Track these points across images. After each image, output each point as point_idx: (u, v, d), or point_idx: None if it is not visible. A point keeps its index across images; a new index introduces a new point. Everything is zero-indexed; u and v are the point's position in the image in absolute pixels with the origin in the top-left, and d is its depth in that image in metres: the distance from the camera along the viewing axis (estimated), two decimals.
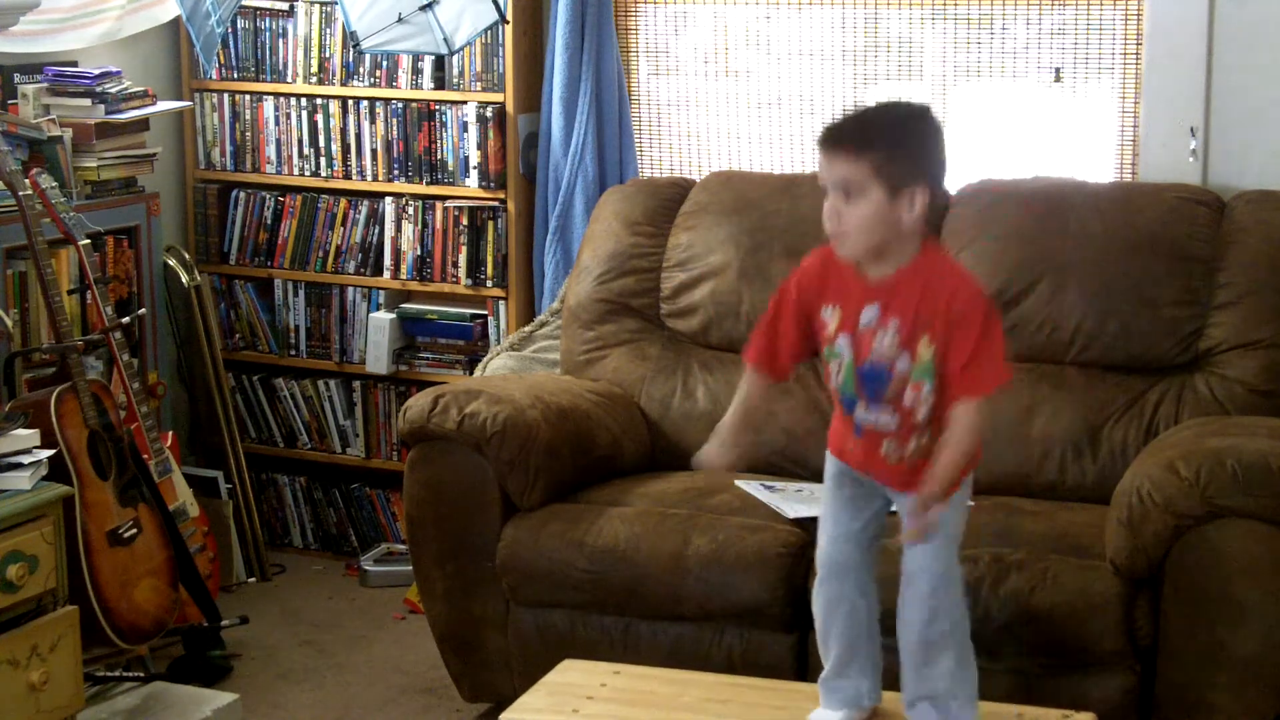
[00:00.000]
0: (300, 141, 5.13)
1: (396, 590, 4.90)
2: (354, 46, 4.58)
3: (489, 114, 4.86)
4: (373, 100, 5.01)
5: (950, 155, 2.89)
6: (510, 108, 4.86)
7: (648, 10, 4.90)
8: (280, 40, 5.11)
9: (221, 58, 5.17)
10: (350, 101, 5.04)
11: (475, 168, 4.91)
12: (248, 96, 5.19)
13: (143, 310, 4.75)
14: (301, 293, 5.19)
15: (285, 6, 5.08)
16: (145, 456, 4.29)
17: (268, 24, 5.12)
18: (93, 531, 3.89)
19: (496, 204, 4.91)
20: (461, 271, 4.96)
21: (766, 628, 3.67)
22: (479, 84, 4.91)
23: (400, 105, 4.98)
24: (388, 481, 5.13)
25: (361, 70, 5.02)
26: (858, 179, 2.80)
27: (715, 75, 4.87)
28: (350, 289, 5.13)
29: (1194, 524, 3.35)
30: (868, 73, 4.68)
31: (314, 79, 5.09)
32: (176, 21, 4.85)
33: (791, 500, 3.86)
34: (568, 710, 3.16)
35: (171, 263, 5.01)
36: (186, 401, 5.18)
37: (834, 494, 3.06)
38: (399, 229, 5.02)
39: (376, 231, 5.07)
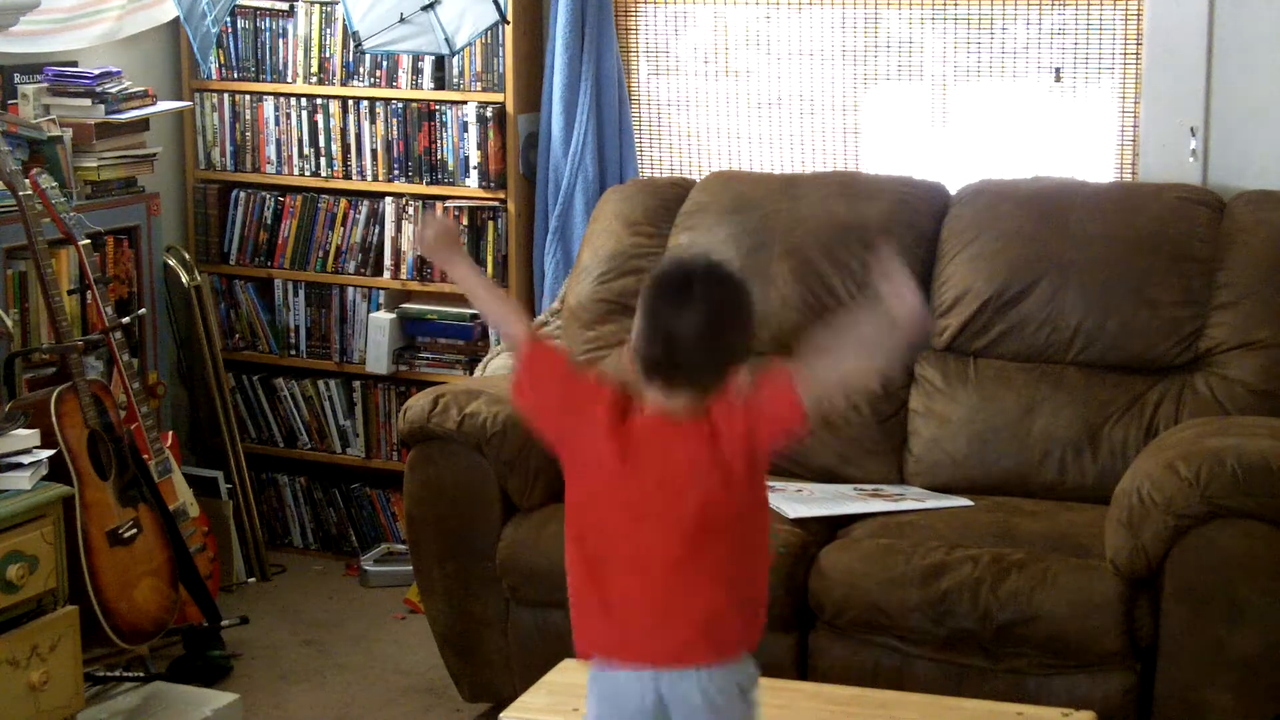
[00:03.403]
0: (300, 141, 5.13)
1: (396, 590, 4.90)
2: (356, 47, 4.59)
3: (489, 114, 4.86)
4: (373, 100, 5.01)
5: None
6: (510, 108, 4.86)
7: (648, 10, 4.90)
8: (280, 40, 5.11)
9: (221, 58, 5.17)
10: (350, 101, 5.04)
11: (475, 168, 4.91)
12: (248, 96, 5.18)
13: (143, 310, 4.75)
14: (301, 293, 5.19)
15: (285, 6, 5.08)
16: (145, 456, 4.29)
17: (268, 24, 5.12)
18: (93, 531, 3.89)
19: (496, 204, 4.91)
20: None
21: (766, 627, 3.66)
22: (479, 84, 4.91)
23: (400, 105, 4.98)
24: (388, 481, 5.13)
25: (361, 70, 5.02)
26: None
27: (715, 75, 4.87)
28: (350, 289, 5.13)
29: (1194, 524, 3.35)
30: (868, 73, 4.68)
31: (314, 79, 5.09)
32: (176, 21, 4.85)
33: (791, 500, 3.86)
34: (568, 710, 3.16)
35: (171, 263, 5.01)
36: (186, 401, 5.18)
37: None
38: (399, 229, 5.02)
39: (376, 231, 5.07)
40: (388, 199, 5.03)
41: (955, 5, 4.56)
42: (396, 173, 5.02)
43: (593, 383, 2.58)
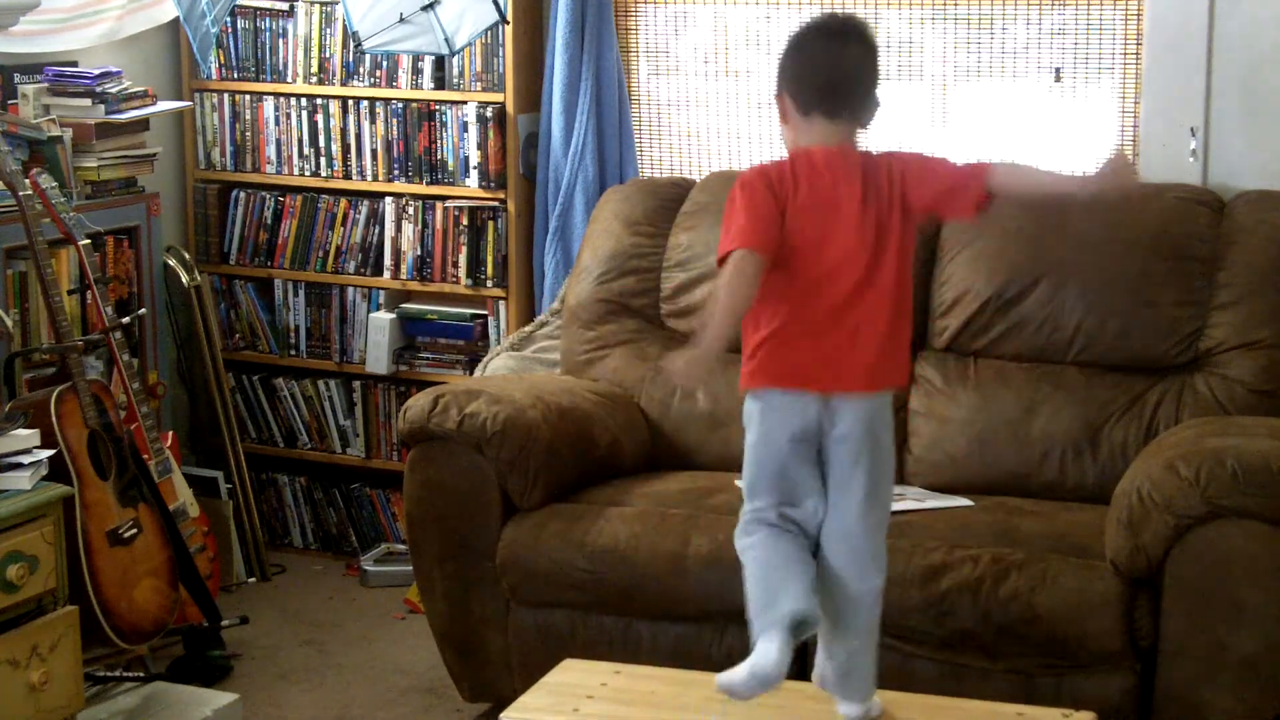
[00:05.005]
0: (300, 141, 5.13)
1: (396, 590, 4.90)
2: (356, 47, 4.59)
3: (489, 114, 4.86)
4: (373, 100, 5.01)
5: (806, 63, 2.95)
6: (510, 108, 4.86)
7: (648, 10, 4.90)
8: (280, 40, 5.11)
9: (221, 58, 5.17)
10: (350, 101, 5.04)
11: (475, 168, 4.91)
12: (248, 96, 5.19)
13: (143, 310, 4.75)
14: (301, 293, 5.19)
15: (285, 6, 5.08)
16: (145, 456, 4.29)
17: (268, 24, 5.12)
18: (93, 531, 3.89)
19: (496, 204, 4.91)
20: (461, 271, 4.96)
21: None
22: (479, 84, 4.91)
23: (400, 105, 4.98)
24: (388, 481, 5.13)
25: (361, 70, 5.02)
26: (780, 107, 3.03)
27: (715, 75, 4.87)
28: (350, 289, 5.13)
29: (1194, 524, 3.35)
30: None
31: (314, 79, 5.09)
32: (176, 21, 4.85)
33: None
34: (568, 710, 3.15)
35: (171, 263, 5.01)
36: (186, 401, 5.19)
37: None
38: (399, 229, 5.02)
39: (376, 231, 5.07)
40: (388, 199, 5.03)
41: (955, 5, 4.56)
42: (396, 173, 5.02)
43: (768, 187, 2.90)
